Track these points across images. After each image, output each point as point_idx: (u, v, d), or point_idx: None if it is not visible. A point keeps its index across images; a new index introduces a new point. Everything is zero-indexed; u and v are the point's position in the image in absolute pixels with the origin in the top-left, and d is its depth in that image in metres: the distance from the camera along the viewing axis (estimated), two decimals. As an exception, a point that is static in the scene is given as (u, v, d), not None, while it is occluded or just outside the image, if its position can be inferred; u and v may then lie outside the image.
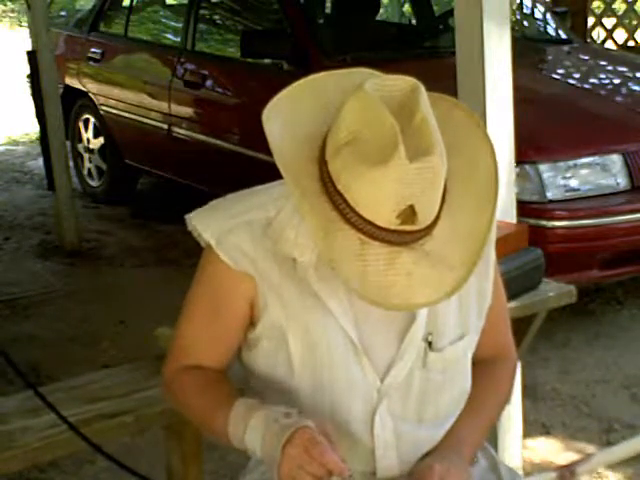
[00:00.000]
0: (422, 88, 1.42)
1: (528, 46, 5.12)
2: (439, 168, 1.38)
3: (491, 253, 1.66)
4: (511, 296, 2.61)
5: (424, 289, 1.43)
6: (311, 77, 1.52)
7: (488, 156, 1.49)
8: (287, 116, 1.48)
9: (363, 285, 1.40)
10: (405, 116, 1.38)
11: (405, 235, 1.40)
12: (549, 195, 3.92)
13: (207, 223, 1.59)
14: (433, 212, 1.42)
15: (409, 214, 1.38)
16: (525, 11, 6.00)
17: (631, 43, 8.07)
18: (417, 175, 1.36)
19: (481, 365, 1.71)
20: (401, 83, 1.43)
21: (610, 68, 5.34)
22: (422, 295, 1.43)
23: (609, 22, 8.17)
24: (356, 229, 1.40)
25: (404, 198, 1.37)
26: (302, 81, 1.52)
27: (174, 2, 7.09)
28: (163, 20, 6.63)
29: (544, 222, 3.87)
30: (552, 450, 3.27)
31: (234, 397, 1.56)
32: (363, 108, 1.39)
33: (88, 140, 6.56)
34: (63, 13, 7.52)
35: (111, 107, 6.20)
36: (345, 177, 1.39)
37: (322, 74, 1.54)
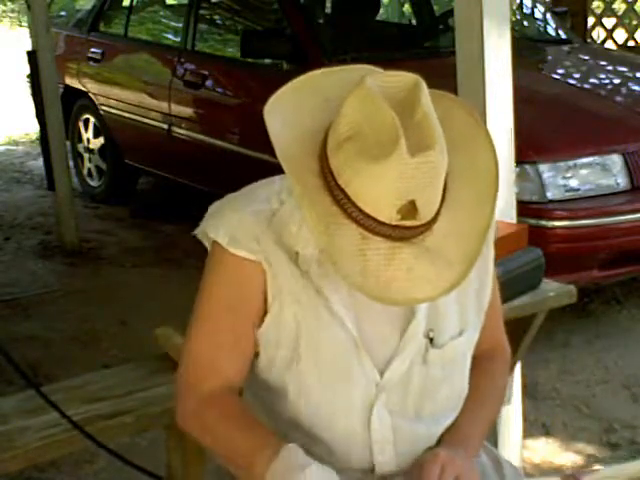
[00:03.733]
0: (423, 84, 1.42)
1: (528, 46, 5.12)
2: (440, 163, 1.39)
3: (490, 249, 1.67)
4: (511, 296, 2.62)
5: (424, 285, 1.43)
6: (313, 72, 1.53)
7: (488, 153, 1.50)
8: (289, 111, 1.48)
9: (363, 280, 1.41)
10: (406, 111, 1.38)
11: (406, 230, 1.40)
12: (549, 195, 3.92)
13: (216, 225, 1.58)
14: (434, 207, 1.42)
15: (410, 209, 1.38)
16: (525, 11, 6.00)
17: (631, 43, 8.06)
18: (418, 170, 1.36)
19: (478, 360, 1.72)
20: (402, 79, 1.43)
21: (610, 68, 5.33)
22: (422, 290, 1.44)
23: (609, 22, 8.17)
24: (357, 224, 1.40)
25: (405, 193, 1.37)
26: (304, 76, 1.52)
27: (174, 2, 7.09)
28: (163, 20, 6.62)
29: (544, 222, 3.87)
30: (552, 450, 3.27)
31: (264, 444, 1.51)
32: (364, 103, 1.39)
33: (88, 140, 6.56)
34: (63, 13, 7.52)
35: (111, 107, 6.20)
36: (346, 172, 1.40)
37: (324, 70, 1.54)
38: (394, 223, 1.39)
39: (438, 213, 1.43)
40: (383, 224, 1.39)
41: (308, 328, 1.57)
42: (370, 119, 1.38)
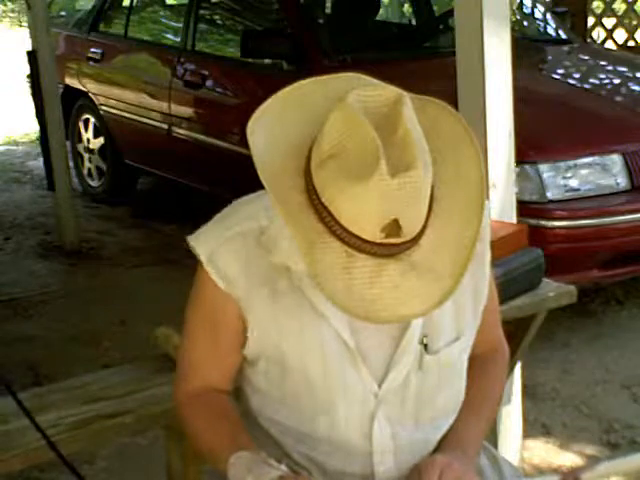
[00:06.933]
0: (406, 99, 1.40)
1: (528, 46, 5.12)
2: (422, 182, 1.36)
3: (485, 252, 1.65)
4: (511, 296, 2.62)
5: (411, 300, 1.41)
6: (296, 85, 1.51)
7: (475, 162, 1.47)
8: (272, 129, 1.47)
9: (349, 300, 1.39)
10: (388, 129, 1.36)
11: (391, 247, 1.38)
12: (549, 195, 3.92)
13: (201, 239, 1.60)
14: (419, 224, 1.40)
15: (394, 227, 1.36)
16: (525, 11, 6.00)
17: (631, 43, 8.06)
18: (400, 190, 1.34)
19: (476, 362, 1.71)
20: (385, 94, 1.41)
21: (610, 68, 5.33)
22: (409, 306, 1.41)
23: (609, 22, 8.16)
24: (342, 242, 1.39)
25: (387, 213, 1.35)
26: (287, 90, 1.50)
27: (174, 2, 7.09)
28: (163, 20, 6.63)
29: (544, 222, 3.87)
30: (552, 450, 3.26)
31: (236, 444, 1.56)
32: (346, 122, 1.38)
33: (88, 140, 6.56)
34: (63, 13, 7.52)
35: (111, 107, 6.20)
36: (328, 190, 1.38)
37: (307, 81, 1.52)
38: (379, 241, 1.37)
39: (425, 227, 1.41)
40: (368, 242, 1.37)
41: (302, 341, 1.56)
42: (351, 138, 1.37)
